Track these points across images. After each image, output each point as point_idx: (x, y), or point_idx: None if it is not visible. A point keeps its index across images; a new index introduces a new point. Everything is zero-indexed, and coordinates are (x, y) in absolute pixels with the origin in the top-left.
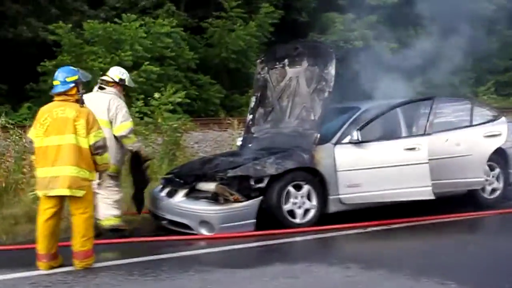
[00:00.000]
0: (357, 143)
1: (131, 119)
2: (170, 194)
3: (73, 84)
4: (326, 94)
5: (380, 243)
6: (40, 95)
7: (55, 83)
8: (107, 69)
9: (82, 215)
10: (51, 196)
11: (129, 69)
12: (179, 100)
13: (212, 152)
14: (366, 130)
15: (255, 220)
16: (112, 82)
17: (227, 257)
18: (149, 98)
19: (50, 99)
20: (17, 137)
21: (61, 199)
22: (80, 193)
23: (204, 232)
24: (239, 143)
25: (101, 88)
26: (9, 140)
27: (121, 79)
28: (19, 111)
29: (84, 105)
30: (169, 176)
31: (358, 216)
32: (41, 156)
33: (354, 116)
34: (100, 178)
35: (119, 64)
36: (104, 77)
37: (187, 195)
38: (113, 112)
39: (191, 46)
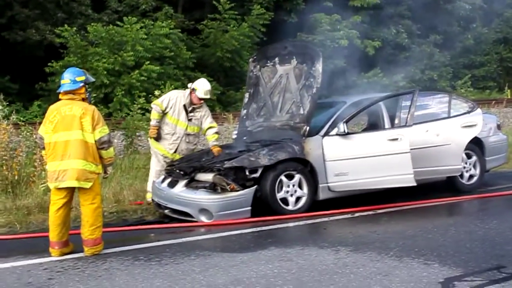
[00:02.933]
0: (343, 134)
1: (158, 102)
2: (172, 185)
3: (82, 84)
4: (314, 89)
5: (367, 227)
6: (49, 94)
7: (63, 81)
8: (111, 69)
9: (91, 206)
10: (61, 188)
11: (131, 69)
12: None
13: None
14: (352, 123)
15: (250, 208)
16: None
17: (225, 242)
18: (150, 96)
19: (58, 97)
20: (28, 133)
21: (70, 190)
22: (87, 184)
23: (204, 219)
24: (234, 136)
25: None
26: (20, 136)
27: (193, 89)
28: (29, 109)
29: (91, 103)
30: (170, 168)
31: (346, 202)
32: (50, 151)
33: (341, 110)
34: (105, 172)
35: (122, 64)
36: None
37: (187, 185)
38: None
39: (188, 46)
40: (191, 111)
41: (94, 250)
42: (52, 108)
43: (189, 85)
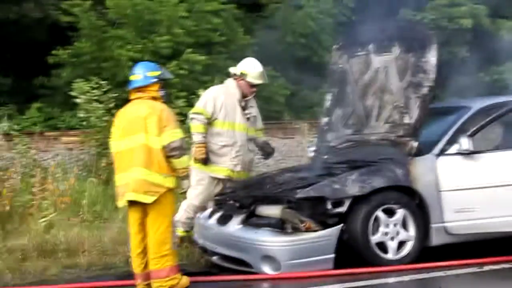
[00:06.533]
0: (467, 153)
1: (200, 108)
2: (223, 221)
3: (154, 80)
4: (426, 89)
5: (501, 286)
6: (52, 93)
7: (133, 77)
8: (139, 59)
9: (153, 228)
10: (133, 206)
11: (166, 59)
12: None
13: (275, 166)
14: (480, 137)
15: (333, 255)
16: (233, 75)
17: None
18: (192, 96)
19: (66, 97)
20: (23, 147)
21: (144, 208)
22: (147, 199)
23: (267, 270)
24: (311, 153)
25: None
26: (14, 151)
27: (241, 74)
28: (26, 113)
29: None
30: (221, 197)
31: (470, 250)
32: (118, 163)
33: (464, 119)
34: (183, 186)
35: (154, 52)
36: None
37: (244, 222)
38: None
39: (247, 28)
40: (245, 107)
41: (159, 284)
42: (120, 111)
43: (232, 70)
